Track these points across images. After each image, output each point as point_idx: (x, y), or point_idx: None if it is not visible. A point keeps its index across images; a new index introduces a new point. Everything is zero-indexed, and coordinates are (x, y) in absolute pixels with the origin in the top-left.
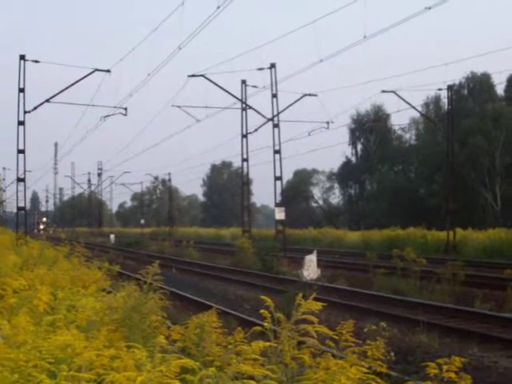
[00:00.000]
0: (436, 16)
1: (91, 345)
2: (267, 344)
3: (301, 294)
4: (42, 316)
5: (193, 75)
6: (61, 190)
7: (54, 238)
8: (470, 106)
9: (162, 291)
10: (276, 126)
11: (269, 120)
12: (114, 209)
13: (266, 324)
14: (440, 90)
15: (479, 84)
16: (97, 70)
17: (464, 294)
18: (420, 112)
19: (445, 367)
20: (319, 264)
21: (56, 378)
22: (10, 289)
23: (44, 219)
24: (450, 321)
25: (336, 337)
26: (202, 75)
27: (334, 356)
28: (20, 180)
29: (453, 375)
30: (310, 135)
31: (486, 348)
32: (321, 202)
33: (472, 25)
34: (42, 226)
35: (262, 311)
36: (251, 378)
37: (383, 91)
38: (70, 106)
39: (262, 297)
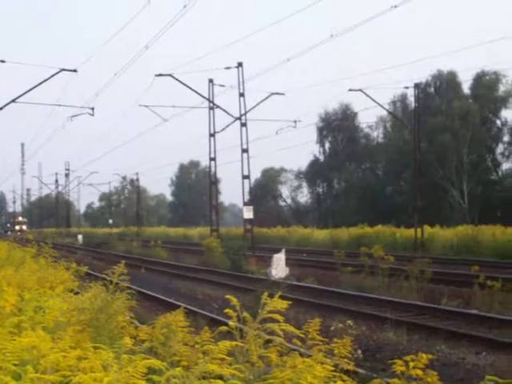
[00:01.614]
0: (402, 14)
1: (57, 346)
2: (234, 343)
3: (266, 293)
4: (9, 317)
5: (160, 74)
6: (28, 190)
7: (22, 238)
8: (437, 104)
9: (130, 291)
10: (244, 125)
11: (236, 119)
12: (82, 209)
13: (231, 323)
14: (407, 88)
15: (446, 82)
16: (63, 69)
17: (431, 291)
18: (387, 110)
19: (411, 364)
20: (287, 262)
21: (20, 379)
22: None
23: (20, 218)
24: (417, 318)
25: (303, 335)
26: (169, 74)
27: (300, 354)
28: None
29: (419, 372)
30: (277, 134)
31: (453, 345)
32: (289, 201)
33: (438, 23)
34: (18, 227)
35: (227, 310)
36: (219, 377)
37: (350, 90)
38: (37, 106)
39: (227, 296)
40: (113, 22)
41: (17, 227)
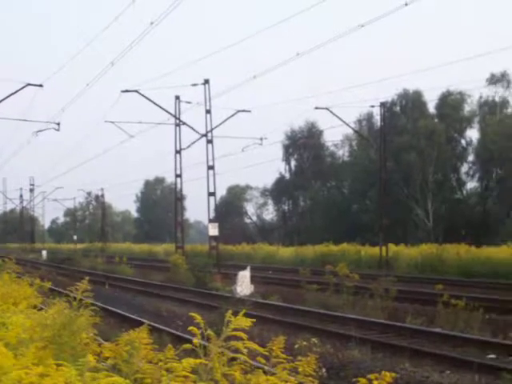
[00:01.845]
0: (368, 33)
1: (19, 362)
2: (198, 361)
3: (230, 311)
4: None
5: (126, 90)
6: None
7: None
8: (403, 122)
9: (93, 308)
10: (210, 141)
11: (202, 136)
12: (47, 225)
13: (195, 341)
14: (373, 106)
15: (411, 101)
16: (29, 84)
17: (396, 310)
18: (353, 129)
19: (375, 382)
20: (253, 280)
21: None
22: None
23: None
24: (381, 336)
25: (267, 353)
26: (135, 91)
27: (264, 372)
28: None
29: None
30: (243, 151)
31: (417, 363)
32: (254, 218)
33: (404, 42)
34: None
35: (191, 328)
36: None
37: (317, 108)
38: (2, 121)
39: (191, 314)
40: (80, 37)
41: None
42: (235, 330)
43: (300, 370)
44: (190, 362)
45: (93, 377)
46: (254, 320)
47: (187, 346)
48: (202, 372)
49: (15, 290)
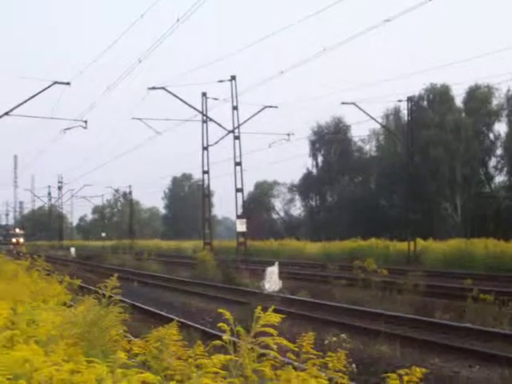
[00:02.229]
0: (395, 28)
1: (50, 359)
2: (228, 357)
3: (260, 307)
4: (2, 331)
5: (153, 88)
6: (21, 203)
7: (13, 251)
8: (430, 117)
9: (122, 304)
10: (237, 138)
11: (229, 132)
12: (75, 222)
13: (224, 337)
14: (400, 101)
15: (439, 95)
16: (56, 82)
17: (424, 304)
18: (380, 123)
19: (405, 378)
20: (281, 276)
21: None
22: None
23: (17, 230)
24: (410, 331)
25: (297, 349)
26: (162, 87)
27: (294, 368)
28: None
29: None
30: (270, 147)
31: (446, 358)
32: (282, 214)
33: (432, 37)
34: (14, 240)
35: (220, 324)
36: None
37: (343, 103)
38: (30, 119)
39: (221, 310)
40: (107, 34)
41: (13, 240)
42: (265, 325)
43: (330, 365)
44: (220, 358)
45: (124, 373)
46: (284, 316)
47: (217, 342)
48: (232, 368)
49: (45, 288)
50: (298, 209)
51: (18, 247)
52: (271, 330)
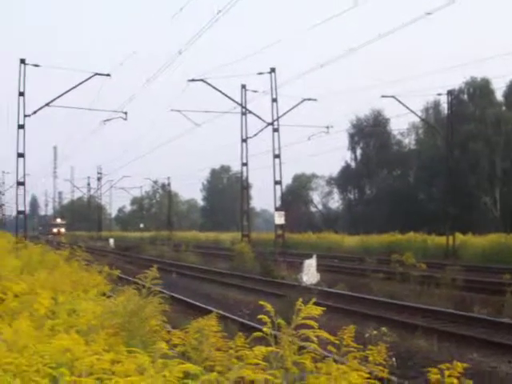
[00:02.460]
0: (436, 21)
1: (91, 349)
2: (269, 349)
3: (300, 299)
4: (43, 320)
5: (192, 80)
6: (60, 193)
7: (53, 241)
8: (470, 111)
9: (162, 295)
10: (276, 130)
11: (269, 124)
12: (114, 213)
13: (265, 329)
14: (440, 94)
15: (479, 89)
16: (97, 74)
17: (463, 299)
18: (420, 117)
19: (447, 372)
20: (318, 268)
21: (57, 382)
22: (10, 293)
23: (59, 220)
24: (448, 325)
25: (337, 342)
26: (201, 79)
27: (335, 361)
28: (20, 184)
29: (455, 381)
30: (309, 140)
31: (485, 353)
32: (320, 207)
33: (472, 30)
34: (55, 230)
35: (261, 316)
36: (252, 382)
37: (383, 96)
38: (70, 110)
39: (261, 302)
40: (147, 26)
41: (54, 230)
42: (305, 318)
43: (370, 359)
44: (261, 350)
45: (164, 363)
46: (324, 308)
47: (258, 334)
48: (272, 360)
49: (85, 278)
50: (336, 202)
51: (58, 237)
52: (312, 323)
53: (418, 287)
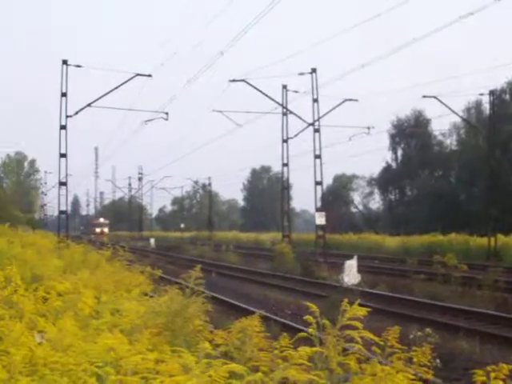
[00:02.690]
0: (478, 21)
1: (134, 348)
2: (314, 349)
3: (346, 300)
4: (87, 319)
5: (233, 80)
6: (101, 193)
7: (95, 241)
8: None
9: (204, 295)
10: (317, 130)
11: (309, 125)
12: (154, 213)
13: (311, 330)
14: (482, 94)
15: None
16: (138, 74)
17: (505, 301)
18: (461, 117)
19: (492, 374)
20: (359, 269)
21: (103, 381)
22: (54, 292)
23: (102, 220)
24: (490, 327)
25: (382, 343)
26: (242, 80)
27: (379, 362)
28: (62, 184)
29: (500, 383)
30: (350, 140)
31: None
32: (361, 208)
33: None
34: (98, 230)
35: (307, 317)
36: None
37: (424, 96)
38: (112, 111)
39: (307, 303)
40: (188, 27)
41: (97, 229)
42: (351, 319)
43: (415, 360)
44: (306, 350)
45: (209, 363)
46: (369, 309)
47: (302, 334)
48: (317, 361)
49: (127, 277)
50: (376, 202)
51: (101, 237)
52: (357, 324)
53: (460, 288)
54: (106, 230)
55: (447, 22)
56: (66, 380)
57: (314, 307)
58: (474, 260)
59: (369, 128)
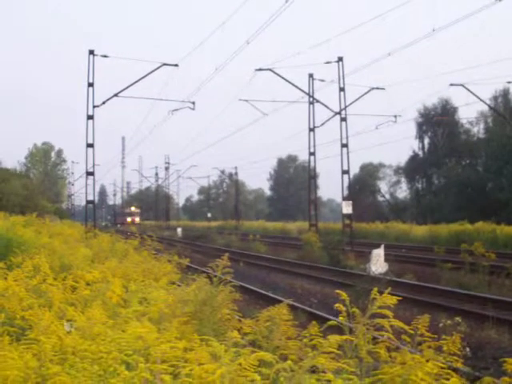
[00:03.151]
0: (506, 8)
1: (163, 337)
2: (343, 337)
3: (376, 288)
4: (115, 308)
5: (260, 69)
6: (128, 183)
7: (123, 231)
8: None
9: (232, 284)
10: (343, 119)
11: (336, 114)
12: (181, 202)
13: (341, 318)
14: (509, 82)
15: None
16: (165, 64)
17: None
18: (488, 105)
19: None
20: (386, 258)
21: (132, 369)
22: (82, 281)
23: (133, 208)
24: None
25: (411, 331)
26: (269, 69)
27: (409, 351)
28: (89, 174)
29: None
30: (377, 129)
31: None
32: (387, 196)
33: None
34: (129, 219)
35: (337, 305)
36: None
37: (452, 84)
38: (138, 101)
39: (338, 291)
40: (214, 16)
41: (128, 219)
42: (381, 307)
43: (445, 348)
44: (336, 338)
45: (237, 352)
46: (400, 298)
47: (332, 322)
48: (346, 349)
49: (155, 267)
50: (403, 191)
51: (131, 227)
52: (388, 312)
53: (488, 277)
54: (137, 219)
55: (473, 9)
56: (97, 368)
57: (344, 295)
58: (501, 249)
59: (396, 117)
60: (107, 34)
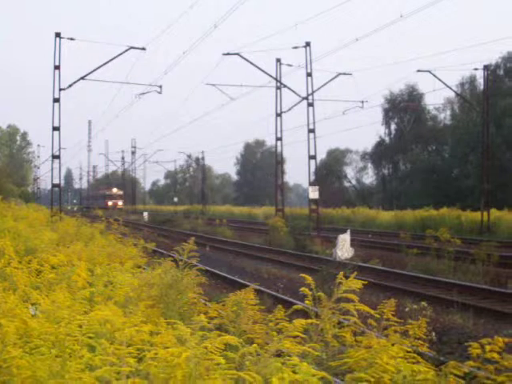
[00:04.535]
0: None
1: (130, 320)
2: (309, 321)
3: (341, 273)
4: (81, 292)
5: (228, 53)
6: (94, 167)
7: (89, 215)
8: (507, 86)
9: (198, 268)
10: (310, 104)
11: (303, 99)
12: (148, 186)
13: (307, 302)
14: (476, 69)
15: None
16: (132, 47)
17: (498, 275)
18: (455, 92)
19: (488, 347)
20: (352, 243)
21: (96, 352)
22: (47, 265)
23: (115, 190)
24: (483, 301)
25: (378, 316)
26: (236, 53)
27: (375, 335)
28: (55, 157)
29: (496, 355)
30: (344, 114)
31: None
32: (354, 182)
33: (510, 4)
34: (111, 203)
35: (302, 289)
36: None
37: (418, 71)
38: (105, 84)
39: (302, 275)
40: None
41: (109, 203)
42: (346, 291)
43: (410, 333)
44: (301, 322)
45: (204, 335)
46: (366, 282)
47: (298, 306)
48: (312, 333)
49: (121, 250)
50: (370, 177)
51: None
52: (353, 297)
53: (453, 263)
54: (120, 202)
55: None
56: (55, 351)
57: (309, 279)
58: (466, 235)
59: (362, 102)
60: (74, 17)
